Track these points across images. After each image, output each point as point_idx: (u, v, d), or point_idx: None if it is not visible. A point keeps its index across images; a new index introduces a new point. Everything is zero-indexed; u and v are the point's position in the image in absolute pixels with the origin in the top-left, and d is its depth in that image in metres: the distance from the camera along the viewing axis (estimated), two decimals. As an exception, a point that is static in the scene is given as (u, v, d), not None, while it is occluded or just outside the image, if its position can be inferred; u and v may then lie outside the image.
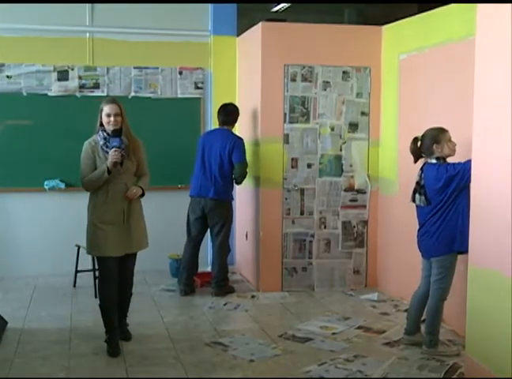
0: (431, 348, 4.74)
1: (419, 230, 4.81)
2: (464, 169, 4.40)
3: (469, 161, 4.26)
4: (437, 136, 4.61)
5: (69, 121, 6.97)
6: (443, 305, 4.72)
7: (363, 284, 6.62)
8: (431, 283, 4.72)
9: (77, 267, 6.59)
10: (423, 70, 5.74)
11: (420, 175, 4.69)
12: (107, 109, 4.71)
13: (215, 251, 6.41)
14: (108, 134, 4.72)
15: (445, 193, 4.53)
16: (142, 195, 4.87)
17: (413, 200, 4.77)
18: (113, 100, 4.82)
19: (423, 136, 4.69)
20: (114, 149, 4.63)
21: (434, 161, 4.63)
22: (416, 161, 4.79)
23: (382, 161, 6.51)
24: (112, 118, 4.69)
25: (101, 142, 4.74)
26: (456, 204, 4.53)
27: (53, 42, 6.94)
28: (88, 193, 4.84)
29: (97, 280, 4.92)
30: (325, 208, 6.49)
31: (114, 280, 4.81)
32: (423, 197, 4.66)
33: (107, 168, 4.64)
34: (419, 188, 4.69)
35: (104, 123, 4.74)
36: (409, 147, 4.77)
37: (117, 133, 4.68)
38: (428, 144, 4.63)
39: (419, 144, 4.72)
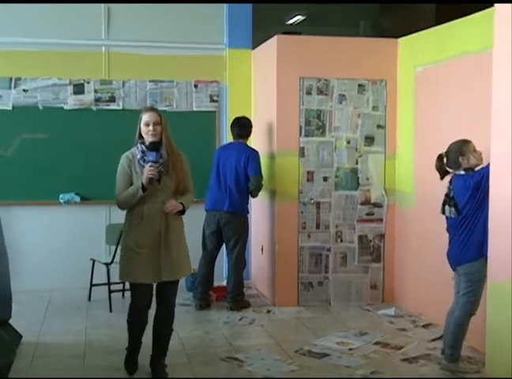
0: (451, 363, 4.65)
1: (449, 242, 4.76)
2: (488, 171, 4.44)
3: (489, 164, 4.32)
4: (461, 148, 4.61)
5: (85, 135, 6.99)
6: (470, 320, 4.64)
7: (380, 299, 6.56)
8: (460, 296, 4.65)
9: (92, 280, 6.57)
10: (439, 83, 5.70)
11: (449, 187, 4.68)
12: (146, 117, 4.38)
13: (230, 265, 6.39)
14: (147, 147, 4.37)
15: (474, 200, 4.52)
16: (182, 213, 4.47)
17: (443, 212, 4.73)
18: (152, 108, 4.56)
19: (447, 151, 4.68)
20: (149, 164, 4.28)
21: (462, 172, 4.62)
22: (442, 177, 4.76)
23: (398, 174, 6.48)
24: (151, 127, 4.35)
25: (138, 155, 4.39)
26: (483, 209, 4.51)
27: (69, 55, 6.96)
28: (125, 213, 4.51)
29: (128, 307, 4.55)
30: (342, 221, 6.46)
31: (146, 311, 4.50)
32: (453, 209, 4.64)
33: (142, 185, 4.30)
34: (449, 200, 4.66)
35: (143, 133, 4.40)
36: (435, 164, 4.75)
37: (155, 146, 4.34)
38: (454, 157, 4.63)
39: (444, 160, 4.71)
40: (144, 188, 4.30)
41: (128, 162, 4.43)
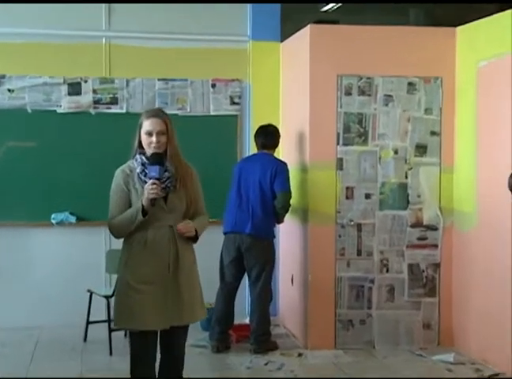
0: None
1: None
2: None
3: None
4: None
5: (82, 143, 7.00)
6: None
7: (436, 342, 6.50)
8: None
9: (88, 317, 6.55)
10: (506, 80, 5.65)
11: None
12: (148, 125, 4.18)
13: (254, 299, 6.37)
14: (148, 159, 4.20)
15: None
16: (195, 240, 4.34)
17: None
18: (156, 113, 4.29)
19: None
20: (151, 181, 4.08)
21: None
22: None
23: (456, 190, 6.43)
24: (154, 138, 4.15)
25: (138, 169, 4.21)
26: None
27: (62, 49, 6.98)
28: (118, 243, 4.38)
29: (130, 359, 4.35)
30: (388, 247, 6.43)
31: (152, 363, 4.30)
32: None
33: (142, 207, 4.11)
34: None
35: (144, 144, 4.21)
36: (507, 182, 4.72)
37: (158, 158, 4.15)
38: None
39: None
40: (145, 211, 4.12)
41: (125, 177, 4.25)
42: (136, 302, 4.15)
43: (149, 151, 4.20)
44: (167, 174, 4.17)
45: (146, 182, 4.13)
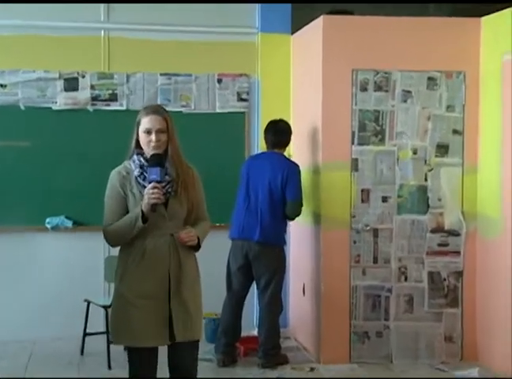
0: None
1: None
2: None
3: None
4: None
5: (79, 143, 7.00)
6: None
7: (459, 356, 6.47)
8: None
9: (85, 328, 6.53)
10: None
11: None
12: (146, 122, 4.08)
13: (263, 310, 6.35)
14: (147, 160, 4.11)
15: None
16: (197, 249, 4.25)
17: None
18: (156, 109, 4.21)
19: None
20: (152, 185, 3.98)
21: None
22: None
23: (480, 193, 6.42)
24: (154, 137, 4.06)
25: (136, 172, 4.11)
26: None
27: (58, 42, 6.96)
28: (118, 250, 4.26)
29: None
30: (406, 254, 6.41)
31: None
32: None
33: (142, 213, 4.00)
34: None
35: (142, 143, 4.11)
36: None
37: (158, 159, 4.06)
38: None
39: None
40: (145, 217, 4.01)
41: (121, 180, 4.15)
42: (134, 317, 4.05)
43: (148, 150, 4.10)
44: (167, 177, 4.07)
45: (145, 186, 4.03)
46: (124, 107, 7.04)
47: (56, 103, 6.95)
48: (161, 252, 4.08)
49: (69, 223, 6.95)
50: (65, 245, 7.02)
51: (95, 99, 7.02)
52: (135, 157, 4.14)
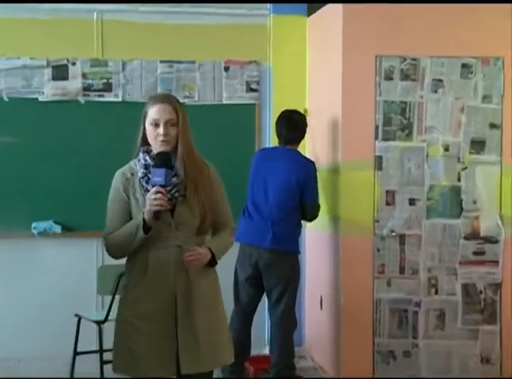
0: None
1: None
2: None
3: None
4: None
5: (69, 138, 6.95)
6: None
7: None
8: None
9: (76, 346, 6.47)
10: None
11: None
12: (154, 112, 3.96)
13: (275, 326, 6.34)
14: (153, 158, 4.00)
15: None
16: (212, 264, 4.11)
17: None
18: (165, 97, 4.10)
19: None
20: (155, 189, 3.85)
21: None
22: None
23: (521, 195, 6.41)
24: (162, 130, 3.93)
25: (140, 173, 4.02)
26: None
27: (46, 25, 6.93)
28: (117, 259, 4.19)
29: None
30: (437, 263, 6.42)
31: None
32: None
33: (144, 221, 3.88)
34: None
35: (150, 138, 4.00)
36: None
37: (164, 158, 3.93)
38: None
39: None
40: (146, 226, 3.89)
41: (124, 182, 4.04)
42: (135, 343, 3.94)
43: (156, 146, 3.97)
44: (175, 179, 3.94)
45: (149, 190, 3.90)
46: (119, 99, 7.01)
47: (43, 93, 6.92)
48: (166, 267, 3.94)
49: (58, 229, 6.90)
50: (53, 253, 6.99)
51: (87, 89, 6.99)
52: (141, 155, 4.02)
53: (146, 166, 3.98)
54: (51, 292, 6.96)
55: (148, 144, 4.02)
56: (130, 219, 3.98)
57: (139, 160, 4.03)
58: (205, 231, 4.07)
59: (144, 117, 4.00)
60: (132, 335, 3.94)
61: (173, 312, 3.94)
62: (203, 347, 3.98)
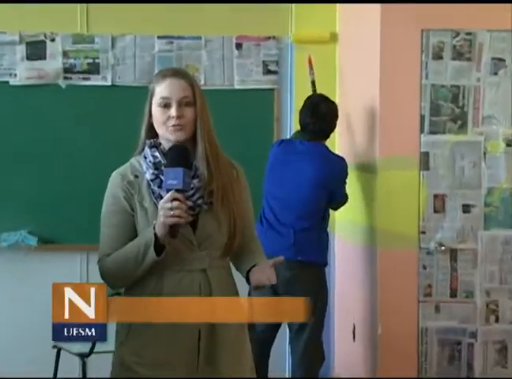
0: None
1: None
2: None
3: None
4: None
5: (47, 130, 6.97)
6: None
7: None
8: None
9: (55, 380, 6.48)
10: None
11: None
12: (163, 89, 3.63)
13: (297, 358, 6.33)
14: (164, 154, 3.69)
15: None
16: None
17: None
18: (177, 71, 3.77)
19: None
20: (171, 194, 3.48)
21: None
22: None
23: None
24: (175, 112, 3.58)
25: (148, 174, 3.68)
26: None
27: (19, -7, 6.91)
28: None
29: None
30: (497, 284, 6.33)
31: None
32: None
33: (156, 237, 3.52)
34: None
35: (158, 124, 3.65)
36: None
37: (179, 153, 3.60)
38: None
39: None
40: (159, 245, 3.54)
41: (126, 187, 3.68)
42: None
43: (167, 135, 3.63)
44: (196, 182, 3.61)
45: (162, 197, 3.56)
46: (108, 82, 7.05)
47: (15, 75, 6.98)
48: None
49: (34, 241, 6.92)
50: (27, 269, 7.02)
51: (68, 70, 7.03)
52: (147, 151, 3.67)
53: (156, 165, 3.63)
54: (25, 317, 7.00)
55: (156, 136, 3.70)
56: (134, 236, 3.62)
57: (145, 157, 3.67)
58: (231, 252, 3.77)
59: (151, 97, 3.66)
60: None
61: (195, 355, 3.63)
62: None
